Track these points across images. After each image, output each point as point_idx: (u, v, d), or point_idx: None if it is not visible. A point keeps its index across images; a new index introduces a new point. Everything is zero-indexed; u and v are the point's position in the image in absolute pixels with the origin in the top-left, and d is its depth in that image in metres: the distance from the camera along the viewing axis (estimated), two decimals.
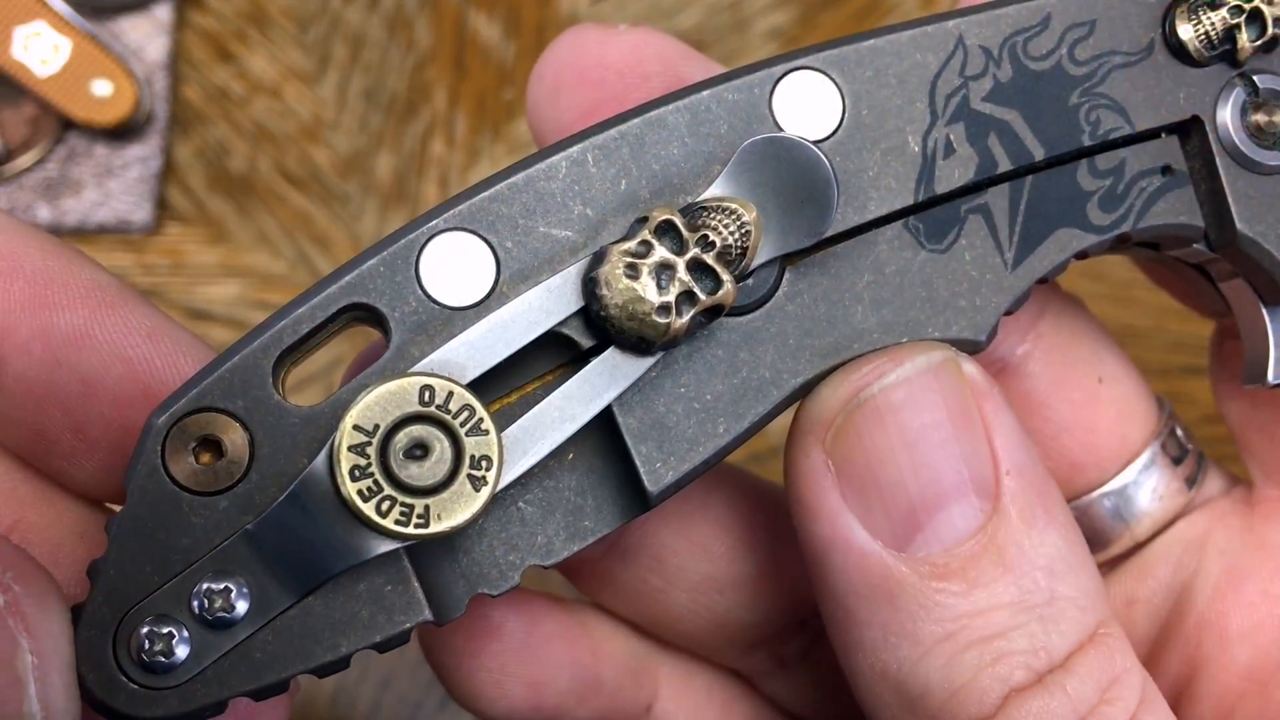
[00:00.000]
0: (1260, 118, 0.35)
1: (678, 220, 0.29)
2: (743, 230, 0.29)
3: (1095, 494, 0.42)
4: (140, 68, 0.66)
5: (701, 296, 0.29)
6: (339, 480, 0.27)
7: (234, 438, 0.29)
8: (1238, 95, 0.35)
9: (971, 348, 0.33)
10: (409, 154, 0.67)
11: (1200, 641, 0.41)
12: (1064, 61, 0.34)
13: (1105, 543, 0.42)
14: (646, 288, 0.28)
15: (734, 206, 0.29)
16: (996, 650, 0.31)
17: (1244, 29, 0.34)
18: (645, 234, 0.29)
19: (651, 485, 0.31)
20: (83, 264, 0.33)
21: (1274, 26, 0.35)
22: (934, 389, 0.32)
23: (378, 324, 0.30)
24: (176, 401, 0.29)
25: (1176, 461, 0.42)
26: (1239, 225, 0.35)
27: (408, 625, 0.30)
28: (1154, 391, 0.43)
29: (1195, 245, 0.36)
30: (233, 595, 0.28)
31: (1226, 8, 0.34)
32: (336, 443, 0.27)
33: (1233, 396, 0.42)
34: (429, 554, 0.30)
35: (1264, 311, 0.37)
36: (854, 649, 0.32)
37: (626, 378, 0.29)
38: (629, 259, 0.28)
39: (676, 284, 0.29)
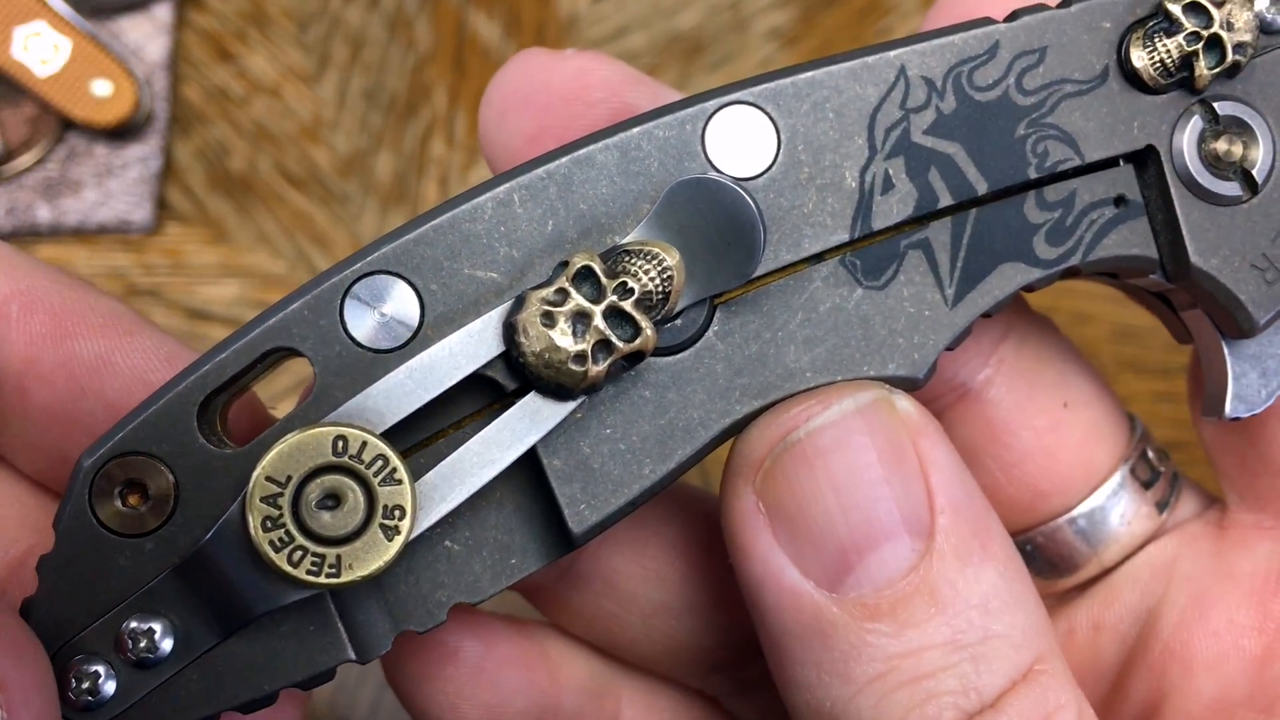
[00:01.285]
0: (1220, 146, 0.34)
1: (596, 266, 0.29)
2: (664, 275, 0.29)
3: (1061, 519, 0.42)
4: (140, 68, 0.67)
5: (619, 344, 0.29)
6: (251, 531, 0.27)
7: (159, 481, 0.29)
8: (1195, 123, 0.34)
9: (909, 385, 0.33)
10: (409, 154, 0.67)
11: (1166, 670, 0.40)
12: (1011, 91, 0.33)
13: (1073, 567, 0.42)
14: (562, 336, 0.28)
15: (656, 250, 0.29)
16: (926, 690, 0.31)
17: (1201, 56, 0.34)
18: (562, 281, 0.29)
19: (575, 526, 0.31)
20: (98, 296, 0.35)
21: (1234, 53, 0.34)
22: (863, 430, 0.32)
23: None
24: (104, 444, 0.29)
25: (1147, 485, 0.42)
26: (1193, 259, 0.34)
27: (329, 665, 0.30)
28: (1127, 412, 0.43)
29: (1153, 275, 0.35)
30: (157, 635, 0.29)
31: (1183, 34, 0.34)
32: (249, 494, 0.27)
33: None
34: (353, 594, 0.30)
35: (1222, 344, 0.36)
36: (789, 686, 0.33)
37: (547, 422, 0.30)
38: (545, 307, 0.29)
39: (592, 333, 0.29)
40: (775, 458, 0.32)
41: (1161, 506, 0.42)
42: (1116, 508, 0.41)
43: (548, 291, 0.29)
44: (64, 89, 0.65)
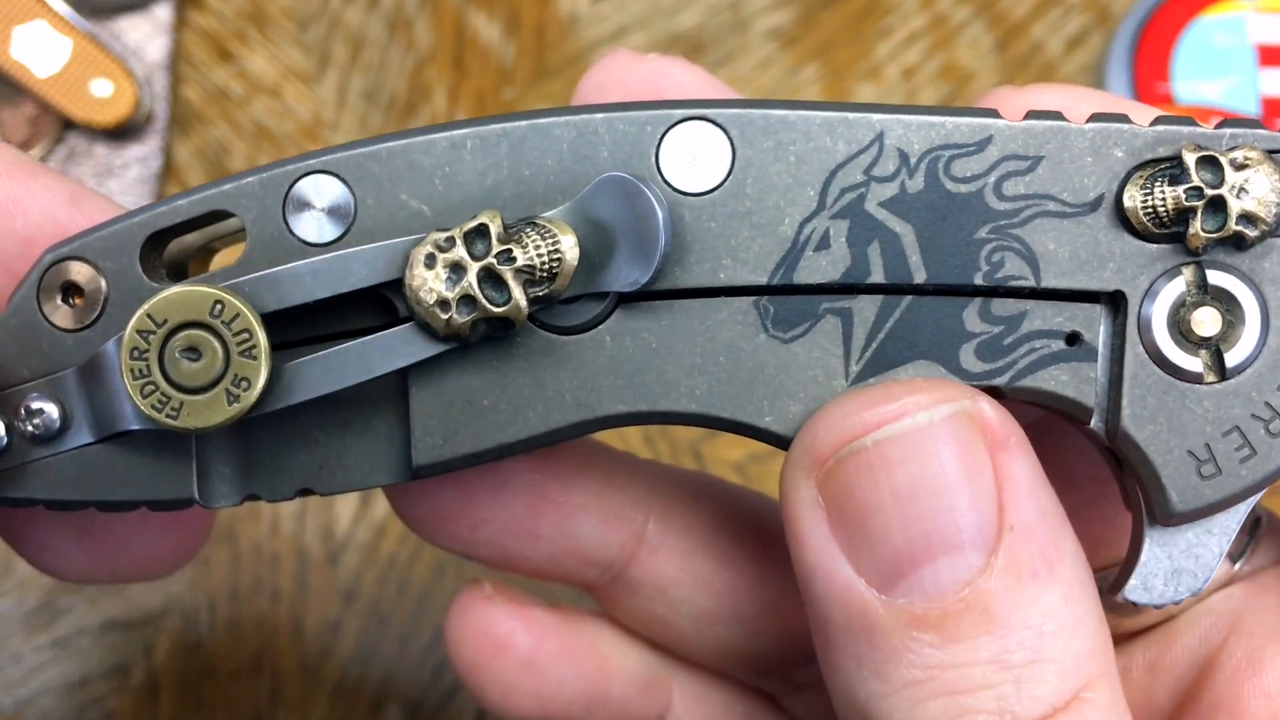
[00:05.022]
0: (1197, 315, 0.37)
1: (493, 227, 0.36)
2: (553, 254, 0.36)
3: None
4: (140, 68, 0.77)
5: (485, 304, 0.36)
6: (120, 353, 0.35)
7: (94, 289, 0.38)
8: (1178, 284, 0.37)
9: (779, 442, 0.38)
10: None
11: None
12: (986, 191, 0.37)
13: (1135, 611, 0.45)
14: (436, 280, 0.36)
15: (554, 230, 0.36)
16: (961, 706, 0.35)
17: (1199, 215, 0.36)
18: (457, 231, 0.36)
19: (417, 458, 0.38)
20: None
21: (1237, 223, 0.36)
22: (936, 444, 0.36)
23: None
24: (66, 246, 0.38)
25: None
26: (1124, 421, 0.38)
27: (175, 496, 0.38)
28: None
29: (1093, 425, 0.38)
30: (47, 416, 0.38)
31: (1185, 187, 0.36)
32: (130, 323, 0.35)
33: None
34: (213, 443, 0.38)
35: (1145, 522, 0.39)
36: (829, 669, 0.38)
37: (417, 354, 0.37)
38: (432, 249, 0.36)
39: (463, 285, 0.36)
40: (839, 459, 0.37)
41: (1235, 557, 0.45)
42: None
43: (441, 236, 0.36)
44: (64, 89, 0.75)
